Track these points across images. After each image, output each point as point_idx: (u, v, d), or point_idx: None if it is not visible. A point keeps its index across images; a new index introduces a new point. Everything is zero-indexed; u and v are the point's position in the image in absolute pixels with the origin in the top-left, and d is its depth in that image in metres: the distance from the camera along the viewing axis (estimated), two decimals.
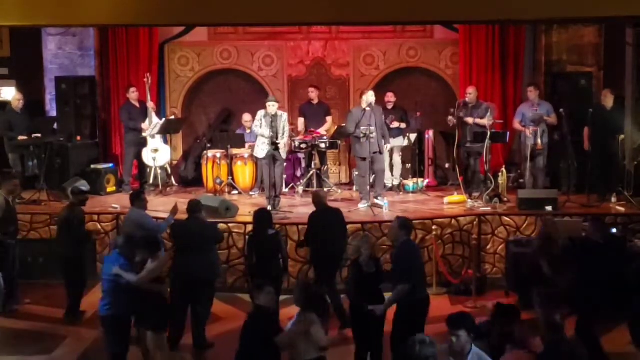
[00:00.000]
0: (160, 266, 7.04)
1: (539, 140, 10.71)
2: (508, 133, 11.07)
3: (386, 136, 10.70)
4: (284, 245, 8.21)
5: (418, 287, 6.83)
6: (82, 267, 8.79)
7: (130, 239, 7.17)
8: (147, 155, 11.69)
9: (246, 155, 11.57)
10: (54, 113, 12.32)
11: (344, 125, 11.84)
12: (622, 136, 10.69)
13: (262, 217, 8.09)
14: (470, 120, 10.84)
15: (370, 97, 10.42)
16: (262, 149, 10.28)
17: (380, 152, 10.43)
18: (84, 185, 11.11)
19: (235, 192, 11.54)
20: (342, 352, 7.57)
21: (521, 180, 11.34)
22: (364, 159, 10.33)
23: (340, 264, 8.74)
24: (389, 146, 10.97)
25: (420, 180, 11.69)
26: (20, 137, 11.14)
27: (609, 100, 10.67)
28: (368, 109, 10.35)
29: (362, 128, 10.23)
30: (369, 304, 6.74)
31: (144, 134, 11.68)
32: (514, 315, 5.86)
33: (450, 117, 11.01)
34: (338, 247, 8.39)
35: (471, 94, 11.10)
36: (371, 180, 10.52)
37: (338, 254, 8.43)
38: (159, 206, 10.41)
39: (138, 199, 8.52)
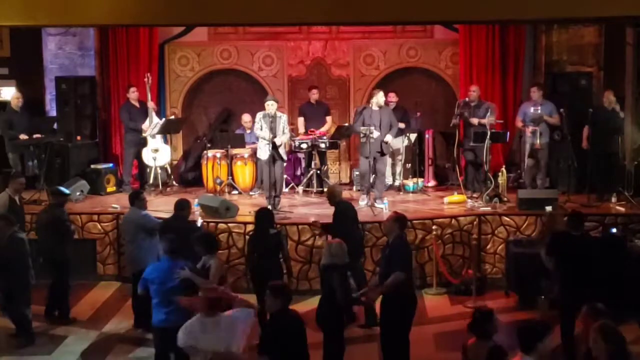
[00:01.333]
0: (222, 264, 6.96)
1: (537, 141, 10.73)
2: (508, 133, 11.09)
3: (391, 133, 10.66)
4: (285, 244, 8.20)
5: (409, 282, 6.91)
6: (69, 268, 8.76)
7: (176, 241, 6.94)
8: (147, 155, 11.69)
9: (246, 155, 11.57)
10: (54, 113, 12.32)
11: (344, 125, 11.89)
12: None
13: (264, 216, 8.08)
14: (475, 121, 10.85)
15: (380, 98, 10.48)
16: (264, 151, 10.24)
17: (383, 154, 10.47)
18: (84, 187, 11.17)
19: (235, 192, 11.53)
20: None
21: (521, 180, 11.35)
22: (366, 158, 10.38)
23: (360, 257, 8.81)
24: (389, 137, 10.92)
25: (420, 180, 11.71)
26: (22, 136, 11.15)
27: (610, 102, 10.68)
28: (376, 108, 10.42)
29: (362, 128, 10.27)
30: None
31: (144, 134, 11.68)
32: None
33: (455, 119, 11.05)
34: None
35: (474, 92, 11.13)
36: (371, 180, 10.53)
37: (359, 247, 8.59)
38: (159, 206, 10.42)
39: (137, 199, 8.50)
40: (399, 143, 11.79)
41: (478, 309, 5.58)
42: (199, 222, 8.72)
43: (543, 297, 8.52)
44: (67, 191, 9.12)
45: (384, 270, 6.90)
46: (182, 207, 8.22)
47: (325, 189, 11.56)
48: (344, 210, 8.48)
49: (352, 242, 8.10)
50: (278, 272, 7.92)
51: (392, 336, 6.79)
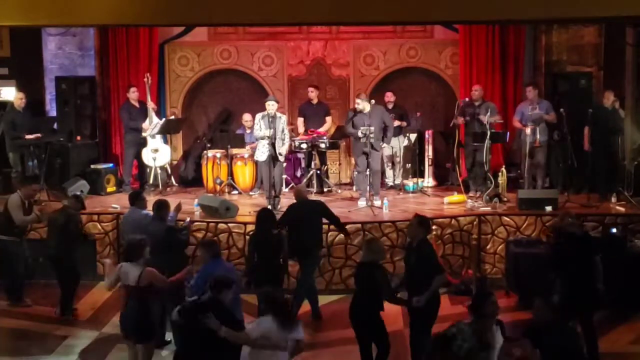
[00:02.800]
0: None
1: (537, 138, 10.75)
2: (508, 133, 11.10)
3: (387, 136, 10.69)
4: (286, 245, 8.20)
5: None
6: (76, 269, 8.82)
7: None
8: (147, 155, 11.69)
9: (246, 155, 11.57)
10: (54, 113, 12.33)
11: (344, 125, 11.90)
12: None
13: (265, 217, 8.08)
14: (484, 118, 10.83)
15: (363, 103, 10.43)
16: (262, 152, 10.24)
17: (375, 150, 10.48)
18: (84, 187, 11.17)
19: (235, 192, 11.54)
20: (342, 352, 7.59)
21: (521, 180, 11.35)
22: (363, 154, 10.40)
23: (317, 257, 8.83)
24: (384, 145, 10.89)
25: (420, 180, 11.72)
26: (28, 136, 11.14)
27: (609, 102, 10.70)
28: (365, 111, 10.44)
29: (361, 128, 10.29)
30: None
31: (144, 134, 11.68)
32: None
33: (460, 118, 11.05)
34: (312, 239, 8.59)
35: (477, 91, 11.16)
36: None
37: (311, 246, 8.57)
38: None
39: (138, 199, 8.50)
40: (397, 143, 11.79)
41: (479, 290, 5.69)
42: (187, 220, 8.73)
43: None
44: (83, 192, 9.14)
45: (415, 275, 6.90)
46: (160, 207, 8.10)
47: (326, 190, 11.65)
48: (297, 207, 8.60)
49: (305, 238, 8.36)
50: (278, 273, 7.92)
51: (422, 334, 6.82)
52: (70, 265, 8.76)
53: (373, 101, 10.59)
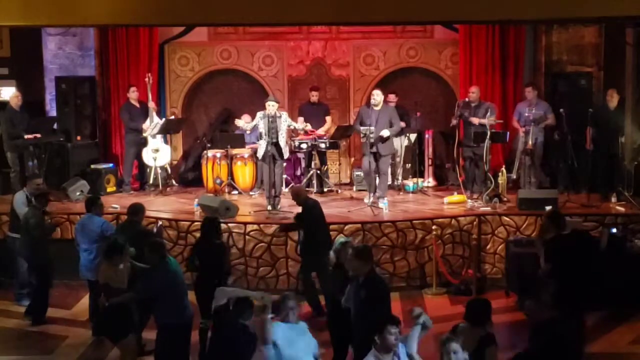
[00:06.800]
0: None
1: (530, 141, 10.78)
2: (508, 133, 11.11)
3: (390, 129, 10.59)
4: (228, 257, 8.07)
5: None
6: (45, 269, 8.68)
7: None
8: (147, 155, 11.69)
9: (246, 155, 11.58)
10: (54, 113, 12.32)
11: (344, 125, 11.90)
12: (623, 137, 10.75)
13: (209, 225, 7.84)
14: (475, 120, 10.85)
15: (376, 98, 10.52)
16: (261, 149, 10.27)
17: (380, 155, 10.48)
18: (84, 187, 11.17)
19: (235, 192, 11.54)
20: None
21: (513, 177, 11.36)
22: (366, 155, 10.43)
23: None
24: (386, 132, 10.66)
25: (420, 180, 11.72)
26: (27, 136, 11.14)
27: (614, 101, 10.70)
28: (376, 108, 10.46)
29: (362, 129, 10.30)
30: None
31: (144, 134, 11.69)
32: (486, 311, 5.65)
33: (459, 119, 11.07)
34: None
35: (474, 93, 11.15)
36: (375, 180, 10.56)
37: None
38: (160, 206, 10.43)
39: (95, 205, 8.35)
40: (397, 143, 11.79)
41: (475, 299, 5.67)
42: (158, 224, 8.70)
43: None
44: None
45: (361, 314, 6.05)
46: (135, 211, 8.08)
47: (326, 190, 11.64)
48: (312, 208, 8.60)
49: (321, 238, 8.39)
50: (220, 284, 7.40)
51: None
52: (40, 265, 8.66)
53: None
